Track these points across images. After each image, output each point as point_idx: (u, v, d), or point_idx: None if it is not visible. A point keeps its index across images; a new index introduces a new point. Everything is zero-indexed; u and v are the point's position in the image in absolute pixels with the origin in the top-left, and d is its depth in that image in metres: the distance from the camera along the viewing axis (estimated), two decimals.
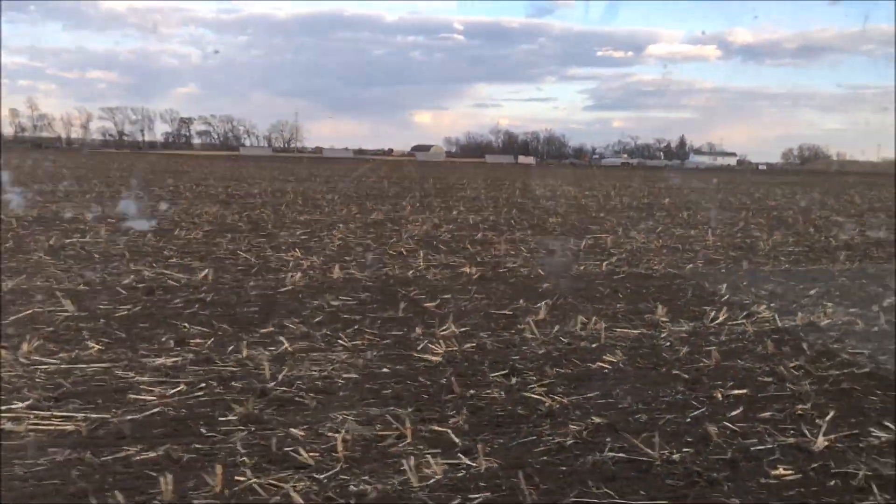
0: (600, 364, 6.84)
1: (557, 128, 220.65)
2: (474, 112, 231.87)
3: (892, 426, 5.40)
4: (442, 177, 51.89)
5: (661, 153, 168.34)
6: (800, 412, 5.69)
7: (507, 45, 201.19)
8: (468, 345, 7.35)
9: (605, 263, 12.76)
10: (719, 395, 6.03)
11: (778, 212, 26.24)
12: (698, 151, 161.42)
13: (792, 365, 6.87)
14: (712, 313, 8.84)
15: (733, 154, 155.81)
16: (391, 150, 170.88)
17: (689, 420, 5.52)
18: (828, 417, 5.47)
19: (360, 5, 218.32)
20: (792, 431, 5.31)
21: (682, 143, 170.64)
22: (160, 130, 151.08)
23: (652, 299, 9.80)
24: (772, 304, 9.59)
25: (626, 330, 8.18)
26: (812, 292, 10.67)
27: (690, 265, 13.01)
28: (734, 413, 5.65)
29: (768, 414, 5.66)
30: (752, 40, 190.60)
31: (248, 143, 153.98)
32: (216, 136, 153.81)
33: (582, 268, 12.42)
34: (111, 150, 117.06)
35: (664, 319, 8.71)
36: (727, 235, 17.75)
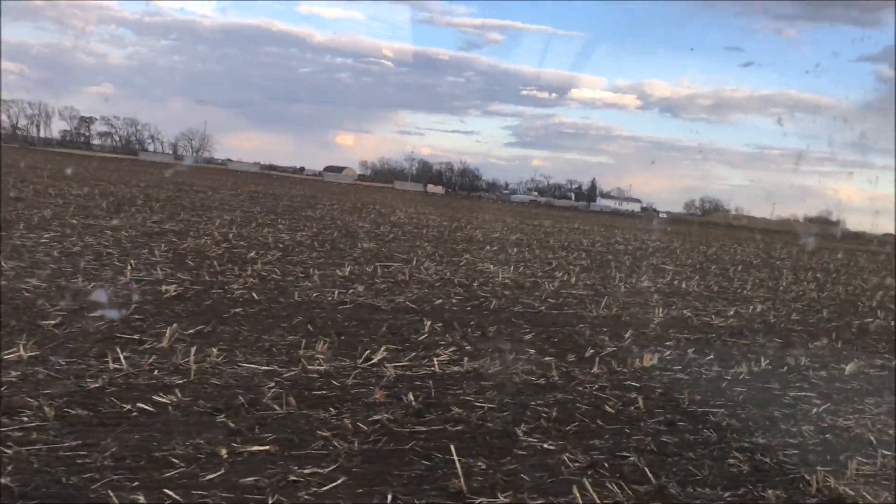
0: (142, 404, 5.69)
1: (478, 161, 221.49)
2: (397, 138, 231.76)
3: None
4: (316, 196, 50.51)
5: (573, 194, 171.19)
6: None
7: (435, 75, 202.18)
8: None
9: (349, 292, 11.74)
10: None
11: (591, 254, 25.95)
12: (605, 195, 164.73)
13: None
14: (378, 351, 7.86)
15: (637, 200, 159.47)
16: (302, 169, 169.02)
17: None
18: None
19: (290, 21, 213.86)
20: None
21: (593, 186, 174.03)
22: (59, 127, 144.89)
23: (340, 334, 8.78)
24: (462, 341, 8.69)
25: (251, 365, 7.09)
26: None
27: (440, 300, 12.10)
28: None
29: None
30: (670, 94, 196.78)
31: (151, 148, 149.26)
32: (118, 139, 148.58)
33: (315, 295, 11.33)
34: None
35: (319, 356, 7.68)
36: (518, 272, 17.05)
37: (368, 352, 7.88)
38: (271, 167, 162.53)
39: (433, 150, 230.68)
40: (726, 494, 5.26)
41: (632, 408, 7.11)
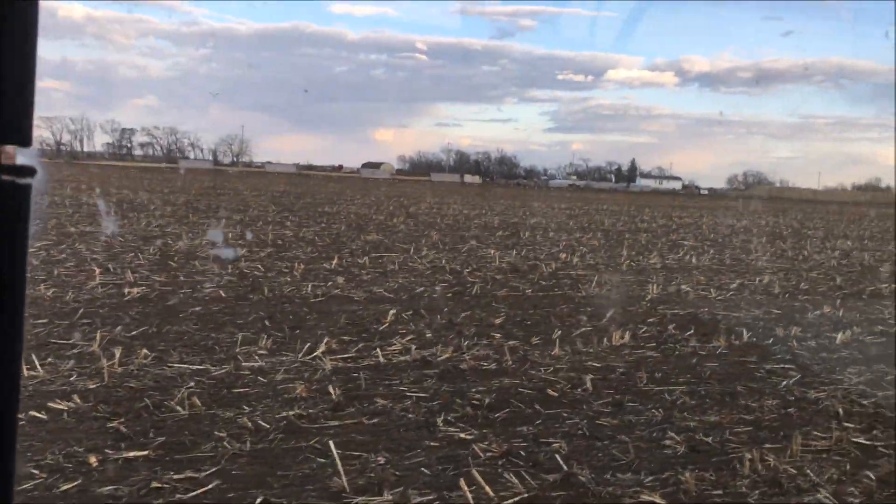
0: (35, 412, 5.45)
1: (517, 148, 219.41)
2: (436, 131, 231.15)
3: None
4: (344, 193, 50.50)
5: (613, 176, 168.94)
6: None
7: (470, 65, 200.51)
8: None
9: (327, 284, 11.49)
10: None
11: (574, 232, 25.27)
12: (645, 175, 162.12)
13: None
14: (318, 345, 7.55)
15: (678, 178, 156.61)
16: (340, 167, 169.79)
17: None
18: None
19: (323, 22, 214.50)
20: None
21: (633, 166, 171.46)
22: (101, 141, 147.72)
23: (296, 328, 8.50)
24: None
25: (182, 365, 6.84)
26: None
27: (422, 289, 11.76)
28: None
29: None
30: (709, 68, 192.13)
31: (192, 156, 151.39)
32: (159, 149, 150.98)
33: (289, 290, 11.07)
34: (44, 159, 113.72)
35: (262, 352, 7.41)
36: (514, 257, 16.59)
37: (309, 345, 7.56)
38: (310, 167, 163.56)
39: (473, 140, 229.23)
40: (647, 479, 4.82)
41: (579, 390, 6.68)
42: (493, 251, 17.26)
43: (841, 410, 6.37)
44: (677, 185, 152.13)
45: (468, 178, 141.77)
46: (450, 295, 11.35)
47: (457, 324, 9.26)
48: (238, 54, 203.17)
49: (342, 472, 4.53)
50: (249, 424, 5.37)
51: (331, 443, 4.89)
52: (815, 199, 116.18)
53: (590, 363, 7.67)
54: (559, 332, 8.90)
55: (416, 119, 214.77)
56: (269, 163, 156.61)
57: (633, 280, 13.74)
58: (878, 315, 11.29)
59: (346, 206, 32.96)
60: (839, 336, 9.26)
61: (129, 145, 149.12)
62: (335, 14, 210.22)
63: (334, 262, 13.85)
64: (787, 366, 7.89)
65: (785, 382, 7.21)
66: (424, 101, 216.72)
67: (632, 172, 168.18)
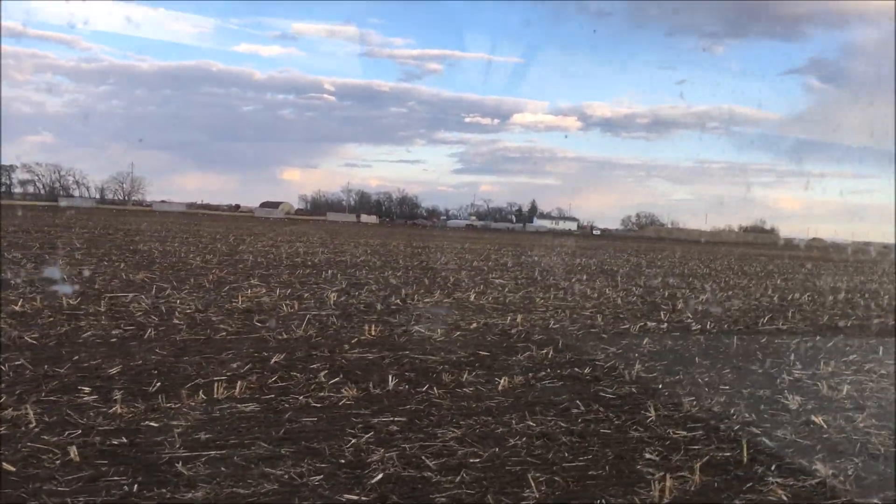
0: None
1: (426, 189, 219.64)
2: (344, 171, 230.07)
3: None
4: (199, 231, 48.24)
5: (513, 216, 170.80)
6: None
7: (378, 107, 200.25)
8: None
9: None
10: None
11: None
12: (544, 216, 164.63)
13: None
14: None
15: (574, 219, 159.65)
16: (237, 206, 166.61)
17: None
18: None
19: (229, 61, 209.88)
20: None
21: (533, 207, 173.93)
22: None
23: None
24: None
25: None
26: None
27: (118, 331, 10.25)
28: None
29: None
30: (610, 114, 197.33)
31: (77, 193, 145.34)
32: (41, 186, 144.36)
33: None
34: None
35: None
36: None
37: None
38: (205, 206, 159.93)
39: (381, 181, 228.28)
40: None
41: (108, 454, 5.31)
42: (263, 290, 15.87)
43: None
44: (573, 226, 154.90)
45: (365, 217, 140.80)
46: (113, 340, 9.86)
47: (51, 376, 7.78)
48: (139, 92, 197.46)
49: None
50: None
51: None
52: (699, 238, 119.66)
53: (147, 422, 6.32)
54: (182, 383, 7.54)
55: (325, 159, 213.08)
56: (163, 202, 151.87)
57: (350, 317, 12.57)
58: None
59: (170, 245, 30.97)
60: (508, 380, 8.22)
61: (8, 182, 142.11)
62: (242, 53, 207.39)
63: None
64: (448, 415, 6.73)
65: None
66: (333, 142, 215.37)
67: (531, 213, 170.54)
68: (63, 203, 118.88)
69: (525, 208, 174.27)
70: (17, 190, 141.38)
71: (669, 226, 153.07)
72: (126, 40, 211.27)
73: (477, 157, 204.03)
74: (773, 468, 6.17)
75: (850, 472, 6.16)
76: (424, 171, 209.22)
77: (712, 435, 6.99)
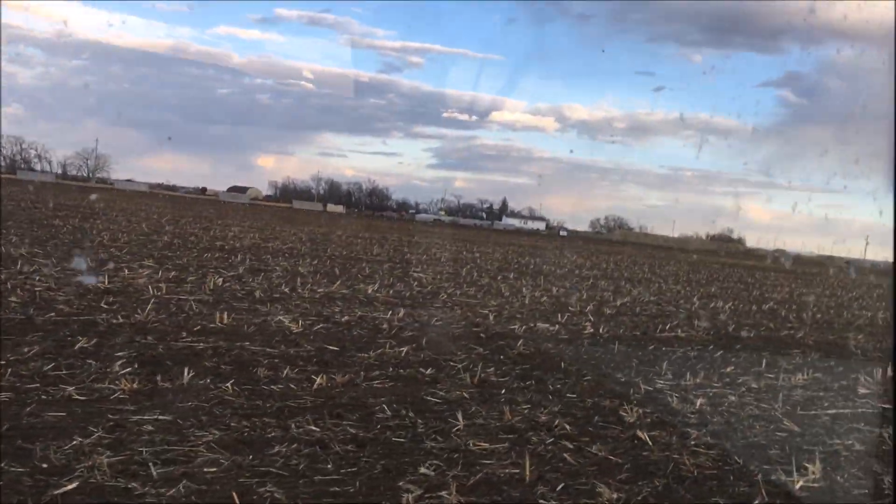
0: None
1: (401, 182, 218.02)
2: (319, 160, 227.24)
3: None
4: (140, 211, 47.01)
5: (483, 213, 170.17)
6: None
7: (357, 97, 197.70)
8: None
9: None
10: None
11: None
12: (513, 214, 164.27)
13: None
14: None
15: (543, 219, 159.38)
16: (204, 189, 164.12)
17: None
18: None
19: (206, 43, 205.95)
20: None
21: (504, 205, 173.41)
22: None
23: None
24: None
25: None
26: None
27: None
28: None
29: None
30: (587, 117, 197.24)
31: (39, 167, 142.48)
32: (2, 158, 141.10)
33: None
34: None
35: None
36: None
37: None
38: (170, 187, 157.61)
39: (356, 171, 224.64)
40: None
41: None
42: (148, 271, 15.06)
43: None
44: (541, 226, 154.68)
45: (332, 207, 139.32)
46: None
47: None
48: (114, 68, 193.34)
49: None
50: None
51: None
52: (665, 245, 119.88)
53: None
54: None
55: (301, 147, 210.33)
56: (128, 181, 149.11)
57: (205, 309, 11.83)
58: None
59: (92, 222, 29.94)
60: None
61: None
62: (220, 35, 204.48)
63: None
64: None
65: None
66: (309, 130, 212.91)
67: (501, 211, 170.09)
68: (21, 176, 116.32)
69: (496, 206, 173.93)
70: None
71: (637, 230, 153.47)
72: (104, 15, 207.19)
73: (453, 152, 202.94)
74: (557, 489, 5.56)
75: (640, 497, 5.56)
76: (400, 163, 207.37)
77: (516, 448, 6.37)
